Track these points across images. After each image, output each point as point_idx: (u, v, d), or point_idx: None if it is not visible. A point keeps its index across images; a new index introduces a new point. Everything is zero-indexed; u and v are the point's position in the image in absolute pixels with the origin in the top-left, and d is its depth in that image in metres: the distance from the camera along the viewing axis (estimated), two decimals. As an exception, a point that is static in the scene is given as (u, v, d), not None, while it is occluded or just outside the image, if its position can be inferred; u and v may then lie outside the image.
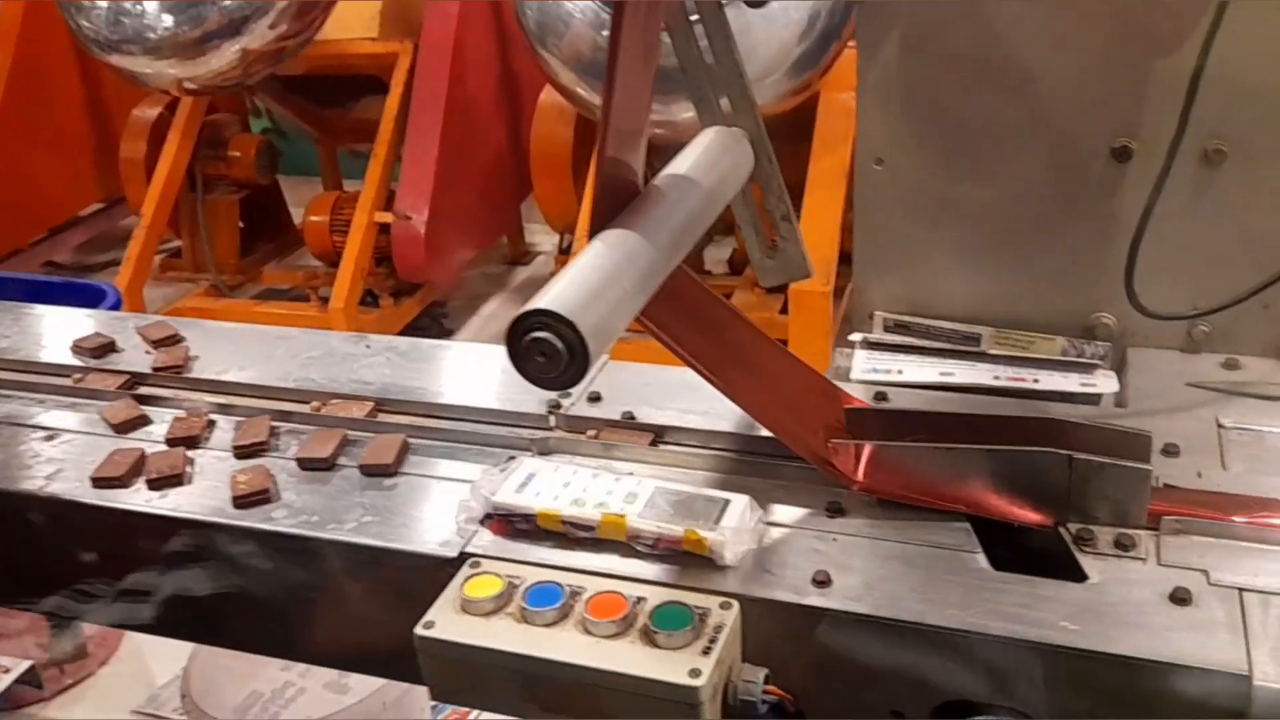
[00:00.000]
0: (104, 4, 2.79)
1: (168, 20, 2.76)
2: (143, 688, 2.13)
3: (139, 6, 2.76)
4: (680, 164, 0.88)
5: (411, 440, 0.97)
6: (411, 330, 3.25)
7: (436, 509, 0.89)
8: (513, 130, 3.32)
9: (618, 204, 0.81)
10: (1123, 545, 0.79)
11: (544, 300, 0.68)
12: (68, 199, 3.87)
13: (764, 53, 2.54)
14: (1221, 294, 0.96)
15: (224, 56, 2.81)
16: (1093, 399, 1.00)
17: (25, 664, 2.04)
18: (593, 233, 0.78)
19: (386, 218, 2.94)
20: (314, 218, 3.24)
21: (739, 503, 0.82)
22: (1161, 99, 0.91)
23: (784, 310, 2.91)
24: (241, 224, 3.53)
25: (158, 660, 2.19)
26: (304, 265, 3.52)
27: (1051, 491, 0.81)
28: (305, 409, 1.02)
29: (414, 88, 2.98)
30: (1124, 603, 0.74)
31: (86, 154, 3.76)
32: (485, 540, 0.84)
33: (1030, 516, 0.82)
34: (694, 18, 0.91)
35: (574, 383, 0.68)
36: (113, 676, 2.18)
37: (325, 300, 3.09)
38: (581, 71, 2.50)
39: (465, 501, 0.85)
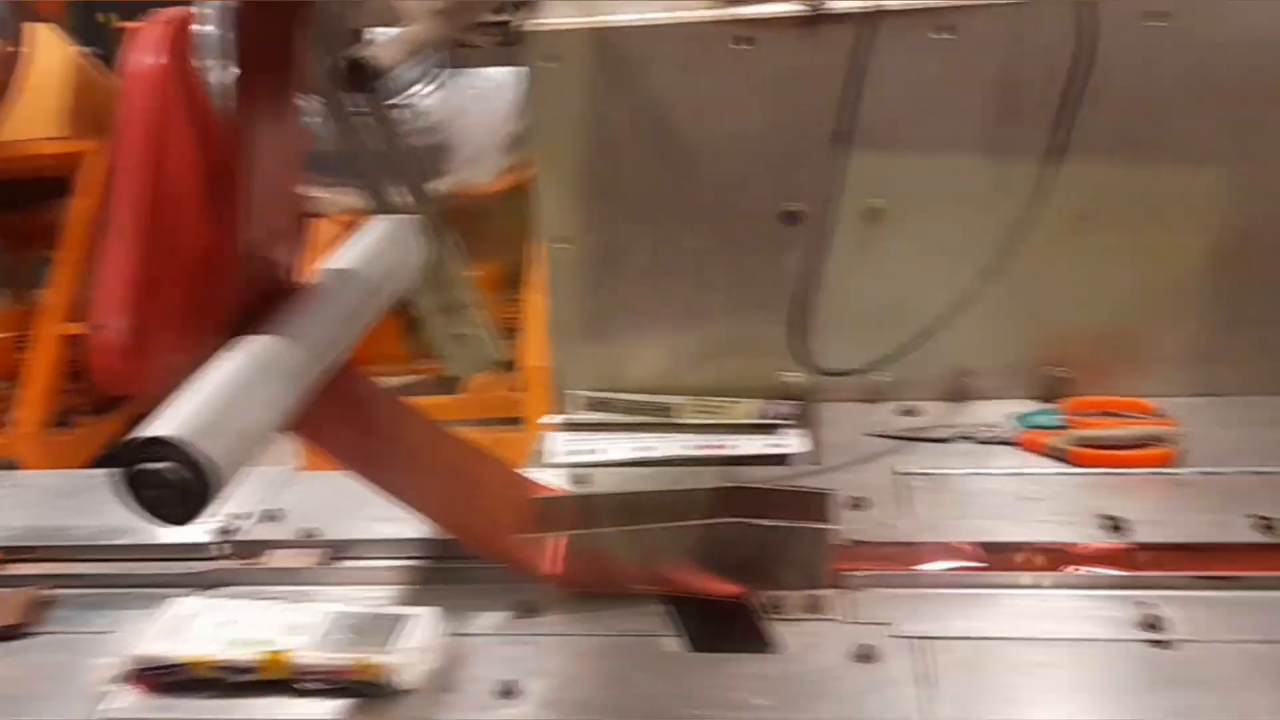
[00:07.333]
0: None
1: None
2: None
3: None
4: (341, 257, 0.83)
5: (55, 591, 0.85)
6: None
7: (76, 673, 0.77)
8: (230, 221, 3.13)
9: (261, 304, 0.74)
10: (811, 608, 0.79)
11: (159, 426, 0.61)
12: None
13: (479, 133, 2.53)
14: (894, 345, 1.00)
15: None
16: (782, 460, 1.00)
17: None
18: (230, 337, 0.71)
19: (77, 328, 2.72)
20: (-5, 335, 2.95)
21: (421, 618, 0.77)
22: (823, 161, 0.93)
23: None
24: (-86, 347, 3.17)
25: None
26: (-11, 388, 3.19)
27: (740, 561, 0.80)
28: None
29: (111, 184, 2.79)
30: (814, 669, 0.73)
31: None
32: (127, 703, 0.73)
33: (723, 589, 0.80)
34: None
35: (195, 515, 0.61)
36: None
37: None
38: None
39: (103, 660, 0.75)
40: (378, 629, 0.75)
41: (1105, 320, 1.02)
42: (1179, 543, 0.84)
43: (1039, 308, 1.02)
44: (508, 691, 0.73)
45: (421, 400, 2.52)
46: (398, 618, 0.77)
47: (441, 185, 2.45)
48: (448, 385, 3.12)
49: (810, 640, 0.76)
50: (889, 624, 0.77)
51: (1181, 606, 0.77)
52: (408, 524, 0.86)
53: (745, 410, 1.05)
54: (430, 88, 2.41)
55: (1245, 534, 0.84)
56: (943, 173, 0.98)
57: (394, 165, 0.87)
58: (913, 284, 1.01)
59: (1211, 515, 0.87)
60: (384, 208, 0.88)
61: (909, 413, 1.06)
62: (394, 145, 0.86)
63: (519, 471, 0.91)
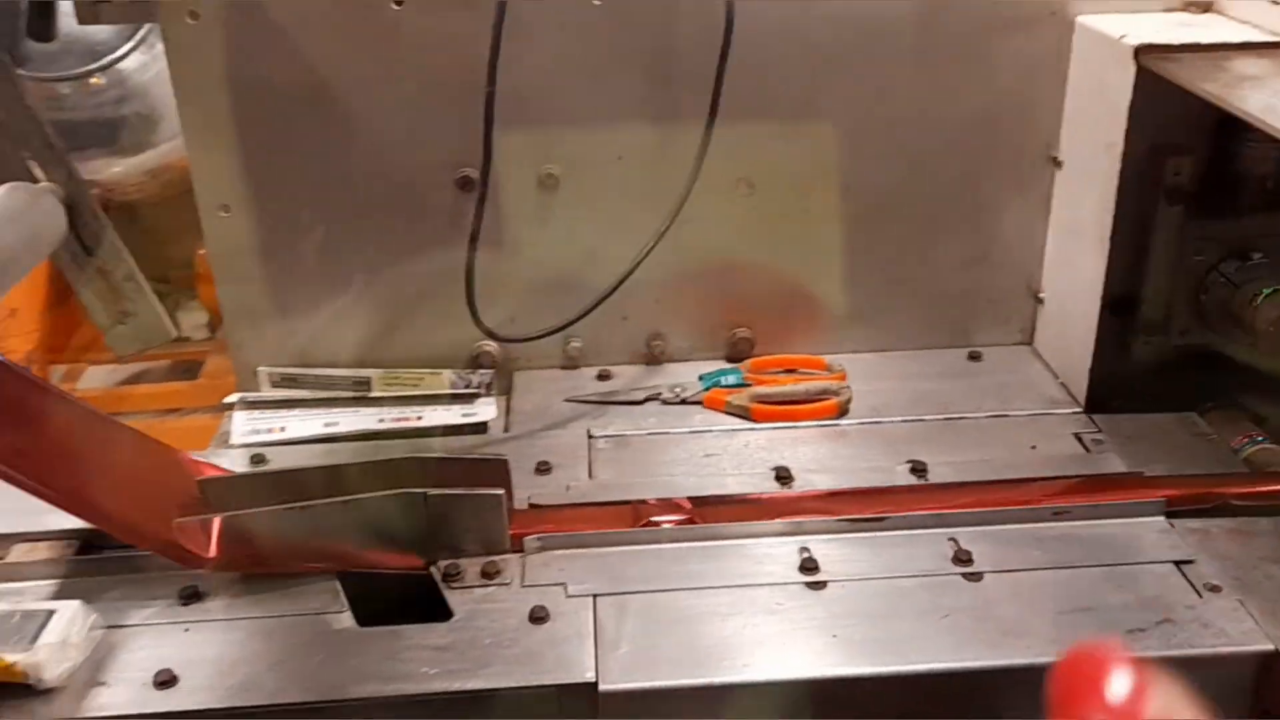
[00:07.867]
0: None
1: None
2: None
3: None
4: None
5: None
6: None
7: None
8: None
9: None
10: (488, 574, 0.79)
11: None
12: None
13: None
14: (578, 310, 1.00)
15: None
16: (478, 428, 1.00)
17: None
18: None
19: None
20: None
21: (65, 611, 0.72)
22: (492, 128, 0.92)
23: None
24: None
25: None
26: None
27: (415, 532, 0.79)
28: None
29: None
30: (487, 633, 0.74)
31: None
32: None
33: (399, 562, 0.79)
34: None
35: None
36: None
37: None
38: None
39: None
40: (17, 626, 0.70)
41: (779, 282, 1.07)
42: (842, 489, 0.89)
43: (719, 271, 1.06)
44: (164, 682, 0.69)
45: (156, 388, 2.37)
46: (40, 613, 0.71)
47: (147, 157, 2.30)
48: (188, 371, 2.93)
49: (484, 606, 0.76)
50: (564, 584, 0.78)
51: (838, 547, 0.82)
52: (53, 515, 0.80)
53: (438, 381, 1.04)
54: (132, 50, 2.24)
55: (903, 478, 0.91)
56: (609, 139, 0.99)
57: (17, 129, 0.80)
58: (592, 249, 1.02)
59: (872, 462, 0.94)
60: (12, 174, 0.81)
61: (604, 377, 1.08)
62: (17, 105, 0.79)
63: (188, 455, 0.87)
